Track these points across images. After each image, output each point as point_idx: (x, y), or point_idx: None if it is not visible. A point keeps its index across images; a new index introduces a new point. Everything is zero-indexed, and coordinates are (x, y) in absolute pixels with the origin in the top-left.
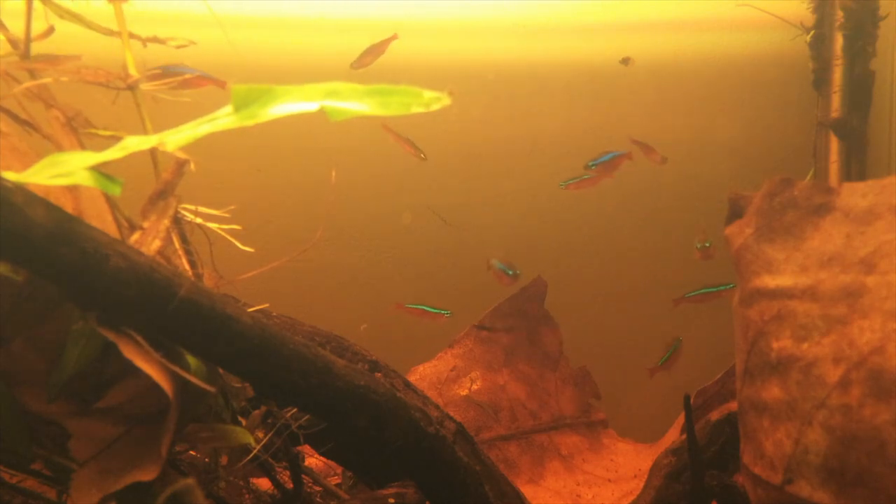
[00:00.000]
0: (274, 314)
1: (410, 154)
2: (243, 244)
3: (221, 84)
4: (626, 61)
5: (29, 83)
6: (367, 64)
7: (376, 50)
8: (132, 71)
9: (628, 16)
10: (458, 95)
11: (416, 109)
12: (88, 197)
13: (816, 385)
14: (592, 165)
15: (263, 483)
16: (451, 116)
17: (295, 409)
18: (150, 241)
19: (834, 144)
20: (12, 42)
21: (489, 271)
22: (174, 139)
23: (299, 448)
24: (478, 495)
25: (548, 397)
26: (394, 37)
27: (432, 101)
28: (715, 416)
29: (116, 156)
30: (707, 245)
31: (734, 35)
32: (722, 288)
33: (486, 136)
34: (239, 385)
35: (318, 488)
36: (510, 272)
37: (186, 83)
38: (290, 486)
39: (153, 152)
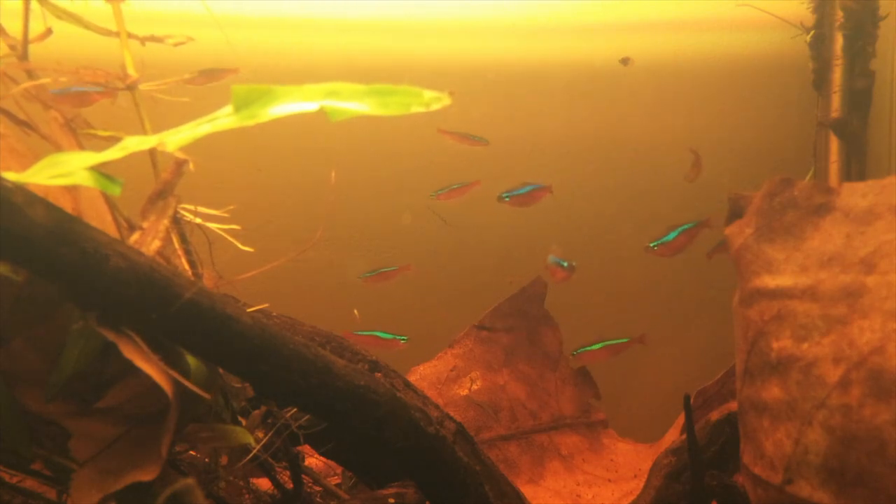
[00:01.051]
0: (274, 314)
1: (474, 146)
2: (243, 244)
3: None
4: (626, 61)
5: (27, 84)
6: (200, 83)
7: (214, 75)
8: (131, 71)
9: (628, 16)
10: (458, 95)
11: (416, 109)
12: (88, 197)
13: (816, 385)
14: (507, 197)
15: (263, 483)
16: (451, 116)
17: (295, 409)
18: (149, 241)
19: (834, 144)
20: (10, 43)
21: (546, 269)
22: (174, 139)
23: (299, 448)
24: (478, 495)
25: (548, 397)
26: (236, 70)
27: (432, 100)
28: (715, 416)
29: (116, 156)
30: (655, 246)
31: (734, 35)
32: None
33: (486, 136)
34: (239, 385)
35: (318, 488)
36: (565, 264)
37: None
38: (290, 486)
39: (153, 152)
